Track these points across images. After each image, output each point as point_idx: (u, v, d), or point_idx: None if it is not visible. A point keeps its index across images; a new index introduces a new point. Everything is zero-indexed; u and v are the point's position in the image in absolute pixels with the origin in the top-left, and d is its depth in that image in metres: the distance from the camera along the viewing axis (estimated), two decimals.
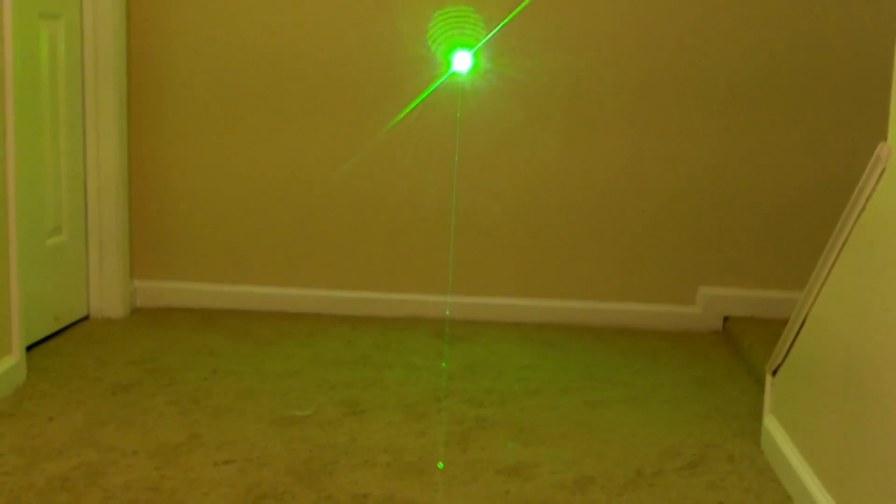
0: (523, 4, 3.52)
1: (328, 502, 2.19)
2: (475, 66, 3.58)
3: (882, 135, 1.98)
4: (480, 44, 3.55)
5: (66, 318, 3.41)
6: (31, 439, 2.47)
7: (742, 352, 3.35)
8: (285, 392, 2.88)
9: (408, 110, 3.59)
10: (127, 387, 2.87)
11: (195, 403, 2.76)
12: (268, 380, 2.98)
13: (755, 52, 3.53)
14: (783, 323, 2.51)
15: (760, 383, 2.82)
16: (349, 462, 2.41)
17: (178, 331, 3.45)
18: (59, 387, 2.85)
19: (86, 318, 3.55)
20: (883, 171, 1.96)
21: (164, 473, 2.30)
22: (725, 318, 3.64)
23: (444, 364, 3.18)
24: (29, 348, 3.03)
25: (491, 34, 3.53)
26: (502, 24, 3.53)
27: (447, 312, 3.66)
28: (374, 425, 2.65)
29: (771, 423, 2.51)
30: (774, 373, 2.55)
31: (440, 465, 2.15)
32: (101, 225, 3.53)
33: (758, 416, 2.68)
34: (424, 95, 3.58)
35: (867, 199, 2.02)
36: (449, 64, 3.57)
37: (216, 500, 2.17)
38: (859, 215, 2.06)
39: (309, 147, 3.66)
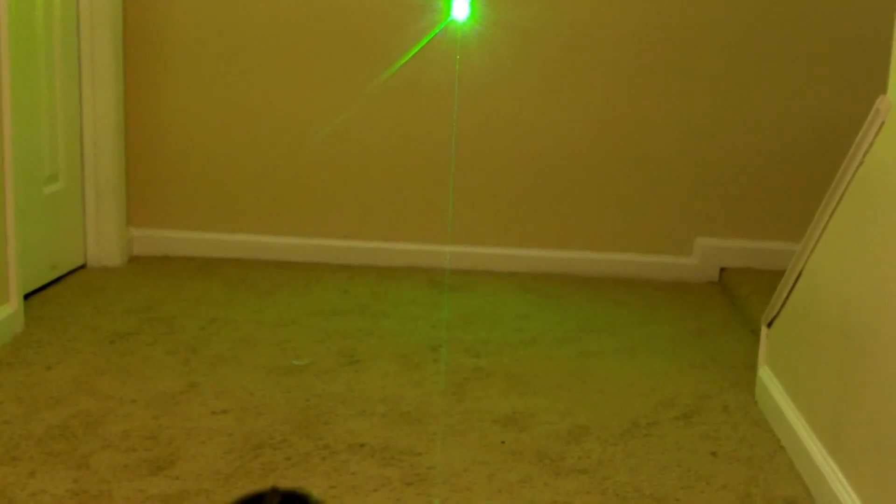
0: None
1: (325, 451, 2.20)
2: (473, 14, 3.55)
3: (882, 86, 1.97)
4: None
5: (63, 267, 3.41)
6: (29, 388, 2.48)
7: (738, 303, 3.36)
8: (283, 341, 2.89)
9: (406, 58, 3.57)
10: (125, 335, 2.88)
11: (193, 352, 2.77)
12: (265, 329, 2.99)
13: (753, 1, 3.50)
14: (779, 274, 2.52)
15: (756, 334, 2.84)
16: (346, 411, 2.42)
17: (176, 279, 3.46)
18: (56, 335, 2.86)
19: (83, 266, 3.55)
20: (882, 124, 1.95)
21: (161, 422, 2.32)
22: (722, 269, 3.65)
23: (444, 315, 3.19)
24: (26, 297, 3.03)
25: None
26: None
27: (446, 263, 3.66)
28: (371, 375, 2.66)
29: (765, 375, 2.52)
30: (770, 324, 2.55)
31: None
32: (98, 173, 3.52)
33: (753, 367, 2.69)
34: (423, 43, 3.55)
35: (865, 154, 2.01)
36: (448, 11, 3.54)
37: (213, 449, 2.19)
38: (857, 169, 2.05)
39: (307, 95, 3.64)
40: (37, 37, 3.17)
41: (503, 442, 2.29)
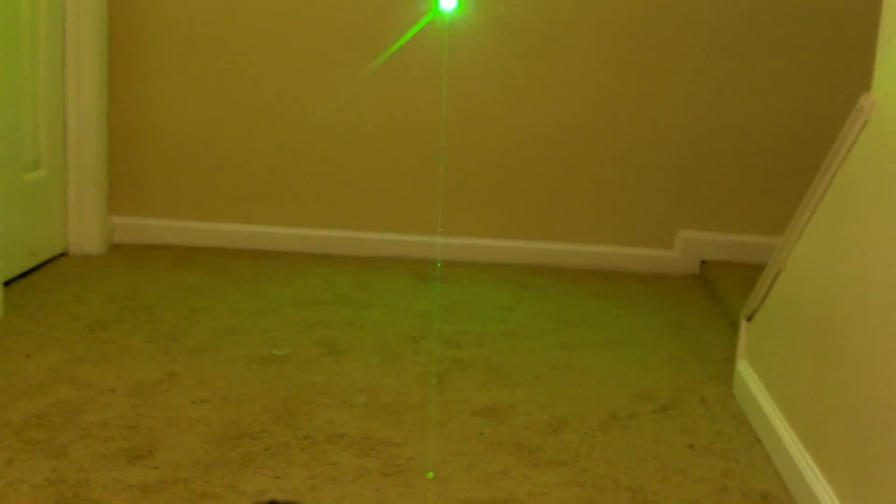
0: None
1: (305, 441, 2.20)
2: (460, 5, 3.55)
3: (866, 83, 1.98)
4: None
5: (44, 254, 3.40)
6: (7, 376, 2.47)
7: (718, 296, 3.37)
8: (263, 331, 2.89)
9: (393, 49, 3.56)
10: (105, 324, 2.87)
11: (173, 341, 2.77)
12: (246, 318, 2.98)
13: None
14: (760, 268, 2.53)
15: (735, 327, 2.85)
16: (326, 402, 2.42)
17: (157, 268, 3.45)
18: (36, 323, 2.85)
19: (63, 254, 3.53)
20: (865, 122, 1.96)
21: (141, 411, 2.31)
22: (703, 262, 3.66)
23: (426, 306, 3.20)
24: (6, 284, 3.02)
25: None
26: None
27: (433, 254, 3.66)
28: (352, 365, 2.67)
29: (744, 368, 2.54)
30: (749, 318, 2.57)
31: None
32: (80, 161, 3.50)
33: (732, 361, 2.70)
34: (410, 35, 3.54)
35: (848, 151, 2.02)
36: (435, 3, 3.54)
37: (193, 439, 2.19)
38: (840, 166, 2.06)
39: (291, 84, 3.63)
40: (21, 24, 3.15)
41: (482, 433, 2.30)
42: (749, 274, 3.07)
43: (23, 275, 3.24)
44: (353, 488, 2.02)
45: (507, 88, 3.61)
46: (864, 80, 2.01)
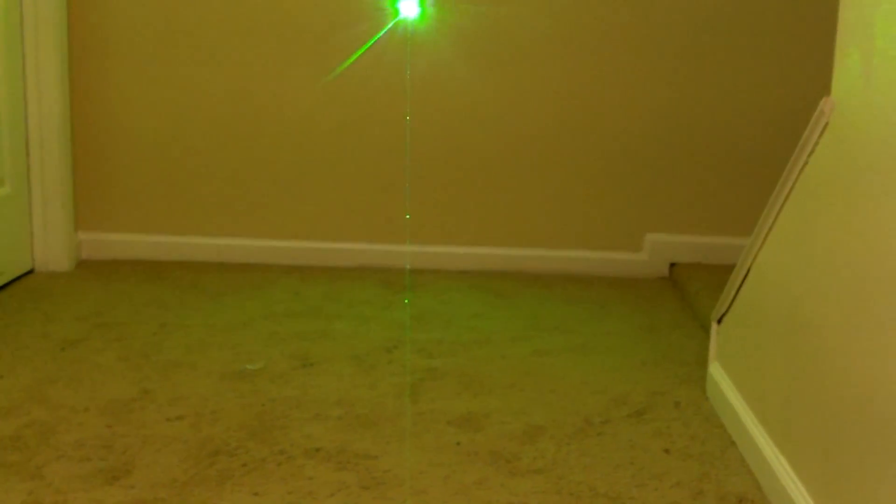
0: None
1: (281, 457, 2.20)
2: (423, 12, 3.56)
3: (827, 84, 2.01)
4: None
5: (10, 273, 3.37)
6: None
7: (688, 298, 3.40)
8: (236, 345, 2.88)
9: (356, 56, 3.56)
10: (75, 342, 2.85)
11: (145, 358, 2.75)
12: (218, 333, 2.98)
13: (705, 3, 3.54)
14: (729, 269, 2.56)
15: (706, 329, 2.87)
16: (301, 415, 2.42)
17: (126, 284, 3.43)
18: (5, 343, 2.83)
19: (30, 271, 3.51)
20: (826, 125, 1.99)
21: (115, 430, 2.30)
22: (672, 265, 3.69)
23: (397, 315, 3.20)
24: None
25: None
26: None
27: (404, 262, 3.67)
28: (326, 378, 2.66)
29: (716, 371, 2.56)
30: (720, 321, 2.59)
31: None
32: (44, 177, 3.48)
33: (704, 363, 2.73)
34: (373, 41, 3.55)
35: (810, 154, 2.05)
36: (396, 9, 3.55)
37: (169, 457, 2.18)
38: (802, 168, 2.09)
39: (255, 95, 3.62)
40: None
41: (458, 443, 2.30)
42: (718, 275, 3.09)
43: None
44: (332, 502, 2.02)
45: (472, 95, 3.62)
46: (826, 83, 2.04)
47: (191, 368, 2.69)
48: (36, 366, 2.67)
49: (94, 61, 3.58)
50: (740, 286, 2.44)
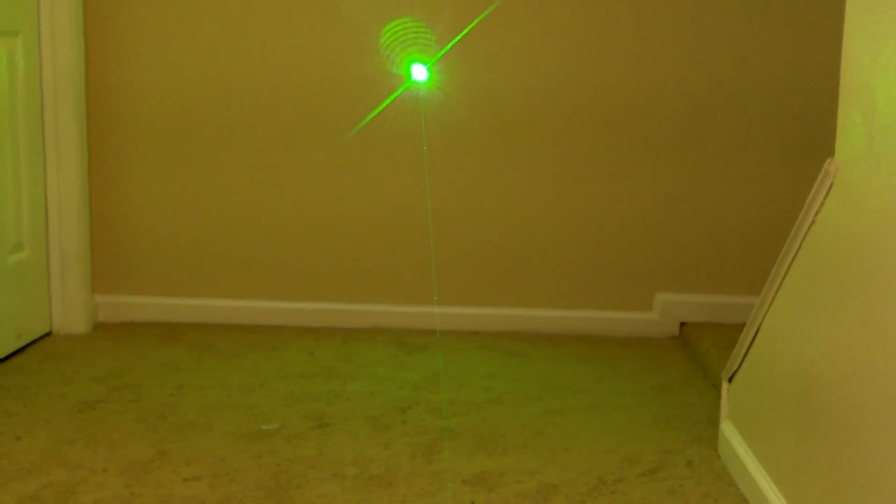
0: (481, 17, 3.57)
1: None
2: (432, 78, 3.63)
3: (831, 149, 2.06)
4: (437, 56, 3.60)
5: (29, 335, 3.42)
6: None
7: (698, 357, 3.42)
8: (251, 406, 2.91)
9: (366, 121, 3.63)
10: (93, 404, 2.89)
11: (162, 419, 2.78)
12: (233, 394, 3.01)
13: (710, 70, 3.61)
14: (739, 327, 2.59)
15: (717, 388, 2.90)
16: (317, 475, 2.44)
17: (142, 346, 3.47)
18: (24, 405, 2.86)
19: (48, 334, 3.55)
20: (831, 186, 2.03)
21: (134, 490, 2.33)
22: (682, 324, 3.72)
23: (411, 376, 3.22)
24: None
25: (448, 47, 3.58)
26: (458, 37, 3.58)
27: (428, 324, 3.70)
28: (341, 438, 2.69)
29: (728, 429, 2.58)
30: (730, 380, 2.62)
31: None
32: (62, 241, 3.54)
33: (715, 422, 2.75)
34: (384, 105, 3.61)
35: (816, 213, 2.09)
36: (407, 75, 3.62)
37: None
38: (809, 228, 2.13)
39: (269, 161, 3.69)
40: (1, 107, 3.20)
41: (473, 502, 2.32)
42: (728, 334, 3.13)
43: (8, 356, 3.26)
44: None
45: (483, 159, 3.68)
46: (830, 145, 2.08)
47: (207, 429, 2.72)
48: (54, 427, 2.70)
49: (112, 132, 3.65)
50: (750, 345, 2.47)
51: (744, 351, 2.50)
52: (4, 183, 3.24)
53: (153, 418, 2.79)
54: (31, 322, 3.45)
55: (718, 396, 2.74)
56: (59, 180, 3.50)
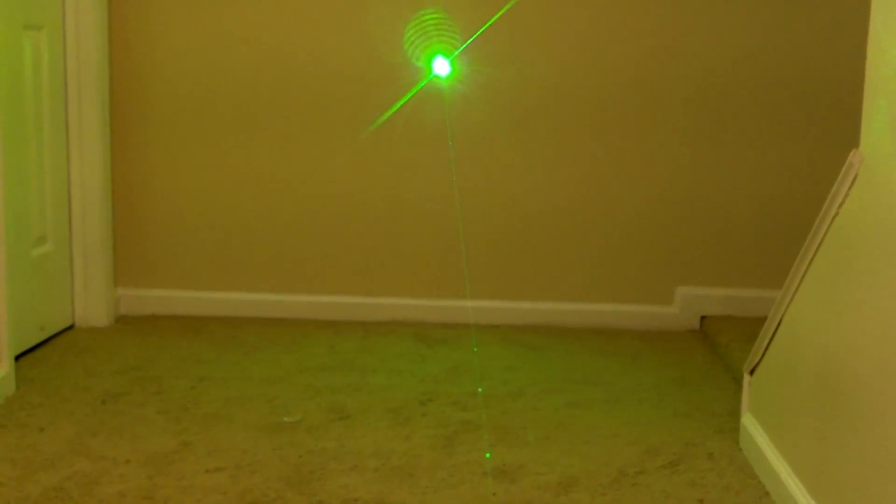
0: (503, 10, 3.57)
1: None
2: (453, 72, 3.63)
3: (855, 140, 2.05)
4: (459, 50, 3.60)
5: (52, 328, 3.44)
6: (23, 450, 2.50)
7: (719, 350, 3.41)
8: (273, 398, 2.92)
9: (388, 115, 3.64)
10: (116, 396, 2.90)
11: (184, 411, 2.80)
12: (255, 386, 3.02)
13: (735, 55, 3.59)
14: (759, 321, 2.58)
15: (738, 381, 2.89)
16: (338, 467, 2.45)
17: (164, 338, 3.48)
18: (48, 397, 2.88)
19: (71, 327, 3.57)
20: (855, 177, 2.02)
21: (156, 482, 2.34)
22: (703, 318, 3.71)
23: (431, 368, 3.23)
24: (16, 359, 3.05)
25: (470, 41, 3.58)
26: (481, 30, 3.58)
27: (448, 318, 3.71)
28: (362, 430, 2.70)
29: (749, 422, 2.57)
30: (752, 372, 2.61)
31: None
32: (86, 234, 3.56)
33: (736, 414, 2.74)
34: (405, 100, 3.62)
35: (840, 205, 2.08)
36: (429, 69, 3.62)
37: None
38: (833, 220, 2.12)
39: (291, 153, 3.70)
40: (26, 100, 3.22)
41: (494, 494, 2.33)
42: (749, 328, 3.12)
43: (32, 349, 3.28)
44: None
45: (502, 151, 3.68)
46: (854, 136, 2.07)
47: (229, 421, 2.73)
48: (78, 419, 2.72)
49: (135, 125, 3.67)
50: (772, 337, 2.46)
51: (766, 343, 2.50)
52: (28, 176, 3.26)
53: (175, 410, 2.80)
54: (54, 315, 3.47)
55: (739, 390, 2.73)
56: (82, 174, 3.52)
